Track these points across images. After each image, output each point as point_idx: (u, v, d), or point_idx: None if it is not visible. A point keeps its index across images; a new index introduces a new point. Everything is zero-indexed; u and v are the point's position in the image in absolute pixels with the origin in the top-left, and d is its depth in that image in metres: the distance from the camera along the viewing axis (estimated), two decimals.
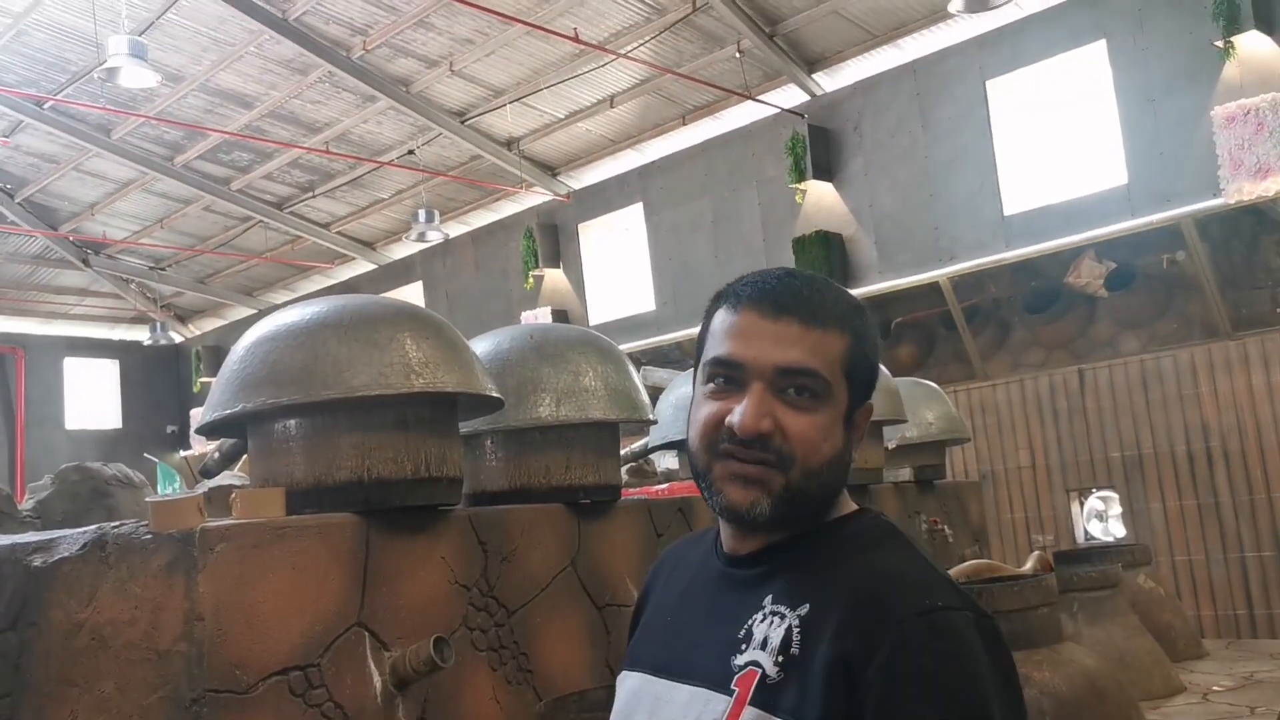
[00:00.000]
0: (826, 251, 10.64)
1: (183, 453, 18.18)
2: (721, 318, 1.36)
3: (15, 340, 18.63)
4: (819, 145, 10.95)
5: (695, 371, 1.40)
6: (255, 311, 18.73)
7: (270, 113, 13.35)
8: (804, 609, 1.23)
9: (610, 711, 1.46)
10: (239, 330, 18.91)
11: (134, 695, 2.40)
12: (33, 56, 12.41)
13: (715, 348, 1.34)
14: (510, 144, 13.61)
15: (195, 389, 19.19)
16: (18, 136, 14.15)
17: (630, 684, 1.45)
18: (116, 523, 2.58)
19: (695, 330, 1.42)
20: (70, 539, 2.55)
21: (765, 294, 1.32)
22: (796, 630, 1.22)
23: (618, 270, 13.24)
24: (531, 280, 13.76)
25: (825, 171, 10.96)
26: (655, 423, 3.82)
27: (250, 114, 13.32)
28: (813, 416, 1.28)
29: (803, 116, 11.11)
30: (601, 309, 13.25)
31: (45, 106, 13.27)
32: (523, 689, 3.10)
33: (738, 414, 1.27)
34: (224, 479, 3.99)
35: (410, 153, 13.82)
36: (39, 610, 2.51)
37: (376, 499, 2.79)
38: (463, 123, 13.27)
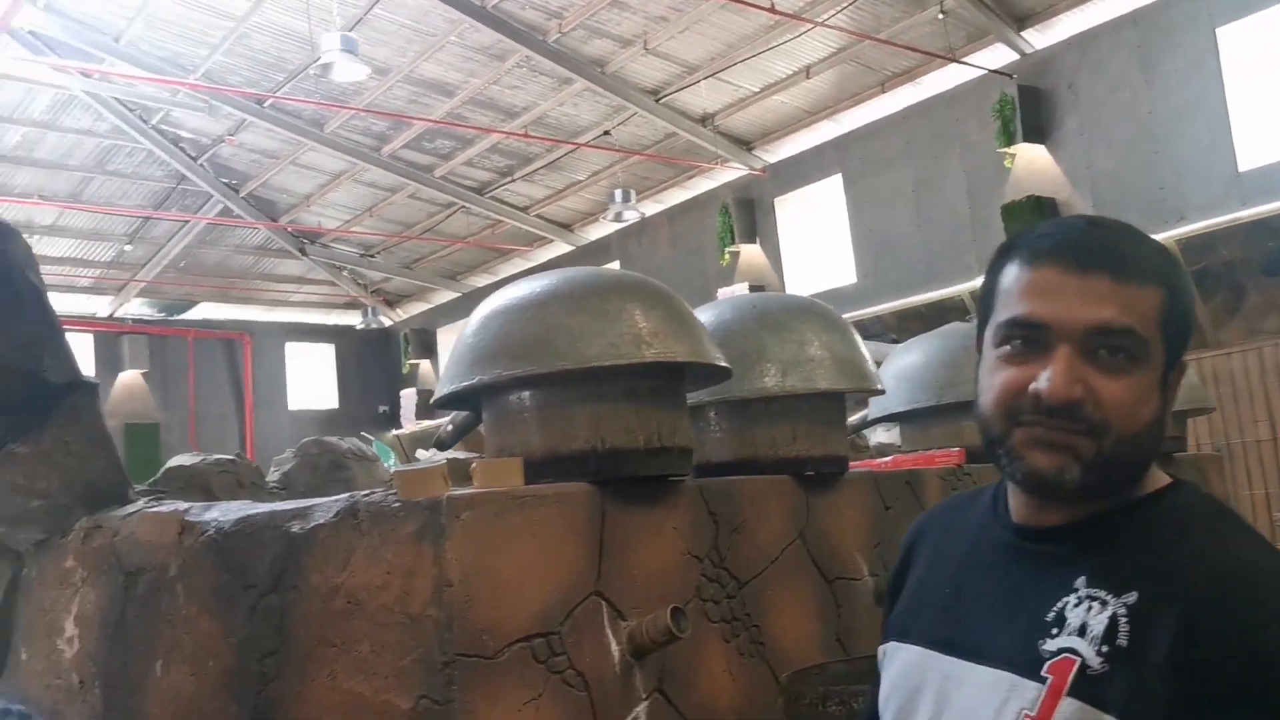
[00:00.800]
0: (1039, 218, 10.19)
1: (394, 431, 18.99)
2: (1014, 274, 1.25)
3: (243, 326, 19.81)
4: (1029, 106, 10.49)
5: (980, 332, 1.30)
6: (459, 295, 19.35)
7: (470, 99, 13.71)
8: (1131, 597, 1.13)
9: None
10: (444, 314, 19.65)
11: (389, 657, 2.47)
12: (254, 58, 13.10)
13: (1010, 307, 1.23)
14: (705, 120, 13.57)
15: (404, 370, 19.98)
16: (242, 135, 14.99)
17: (906, 657, 1.38)
18: (366, 491, 2.67)
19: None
20: (324, 507, 2.65)
21: (1068, 246, 1.21)
22: (1124, 620, 1.12)
23: (816, 243, 13.05)
24: (728, 256, 13.72)
25: (1036, 133, 10.50)
26: (883, 393, 3.71)
27: (451, 102, 13.71)
28: (1129, 380, 1.17)
29: (1011, 77, 10.66)
30: (800, 283, 13.09)
31: (265, 105, 14.00)
32: (755, 662, 3.07)
33: (1044, 380, 1.17)
34: (453, 453, 4.10)
35: (606, 133, 13.96)
36: (299, 574, 2.62)
37: (610, 469, 2.79)
38: (657, 101, 13.31)
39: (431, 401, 3.03)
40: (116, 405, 18.36)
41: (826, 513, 3.43)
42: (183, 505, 3.04)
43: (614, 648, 2.71)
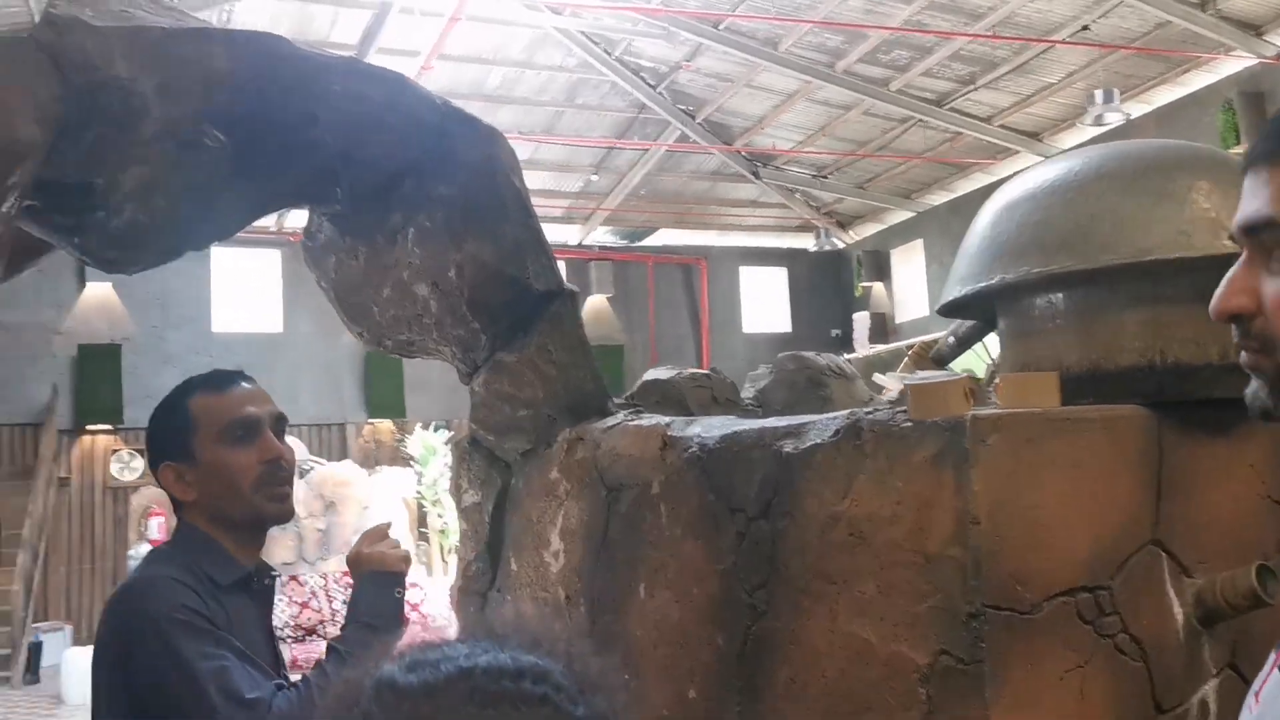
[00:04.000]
0: None
1: (847, 355, 18.73)
2: None
3: (699, 251, 20.32)
4: None
5: None
6: (913, 215, 18.62)
7: (930, 4, 12.90)
8: None
9: None
10: (898, 235, 19.02)
11: (899, 601, 2.11)
12: None
13: None
14: (1204, 3, 11.87)
15: (857, 293, 19.63)
16: (698, 60, 15.14)
17: None
18: (869, 408, 2.31)
19: None
20: (821, 425, 2.33)
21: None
22: None
23: None
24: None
25: None
26: None
27: (910, 8, 12.97)
28: None
29: None
30: None
31: (720, 26, 13.99)
32: None
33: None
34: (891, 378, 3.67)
35: (1084, 28, 12.61)
36: (792, 500, 2.32)
37: (1171, 388, 2.24)
38: None
39: (938, 308, 2.61)
40: (587, 329, 19.52)
41: None
42: (664, 419, 2.85)
43: (1177, 610, 2.18)
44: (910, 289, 18.57)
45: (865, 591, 2.17)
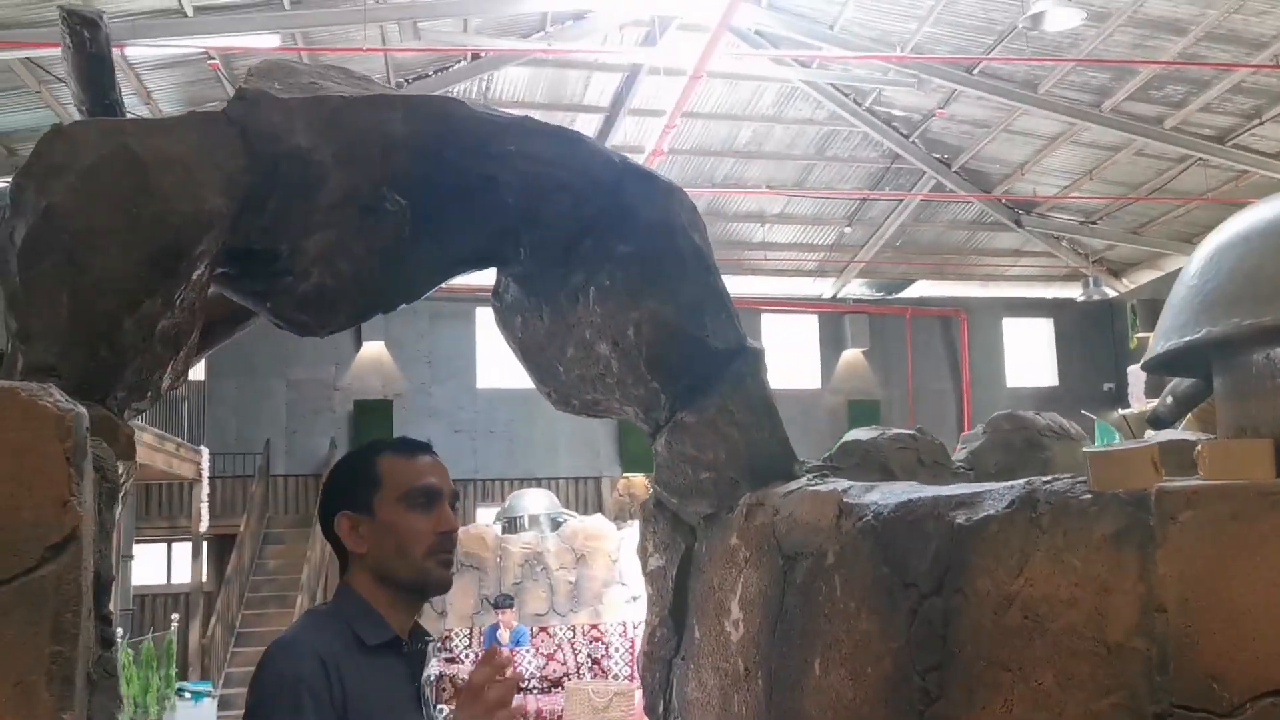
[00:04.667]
0: None
1: (1120, 411, 17.55)
2: None
3: (958, 303, 19.63)
4: None
5: None
6: None
7: (1206, 35, 12.02)
8: None
9: None
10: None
11: (1078, 695, 1.88)
12: (960, 23, 12.72)
13: None
14: None
15: (1131, 344, 18.36)
16: (952, 106, 14.71)
17: None
18: (1048, 477, 2.09)
19: None
20: (996, 495, 2.13)
21: None
22: None
23: None
24: None
25: None
26: None
27: (1183, 40, 12.13)
28: None
29: None
30: None
31: (975, 71, 13.55)
32: None
33: None
34: (1173, 432, 3.32)
35: None
36: (964, 575, 2.13)
37: None
38: None
39: (1141, 365, 2.35)
40: (839, 383, 19.19)
41: None
42: (843, 484, 2.69)
43: None
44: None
45: (1043, 683, 1.95)
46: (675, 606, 3.16)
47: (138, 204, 2.51)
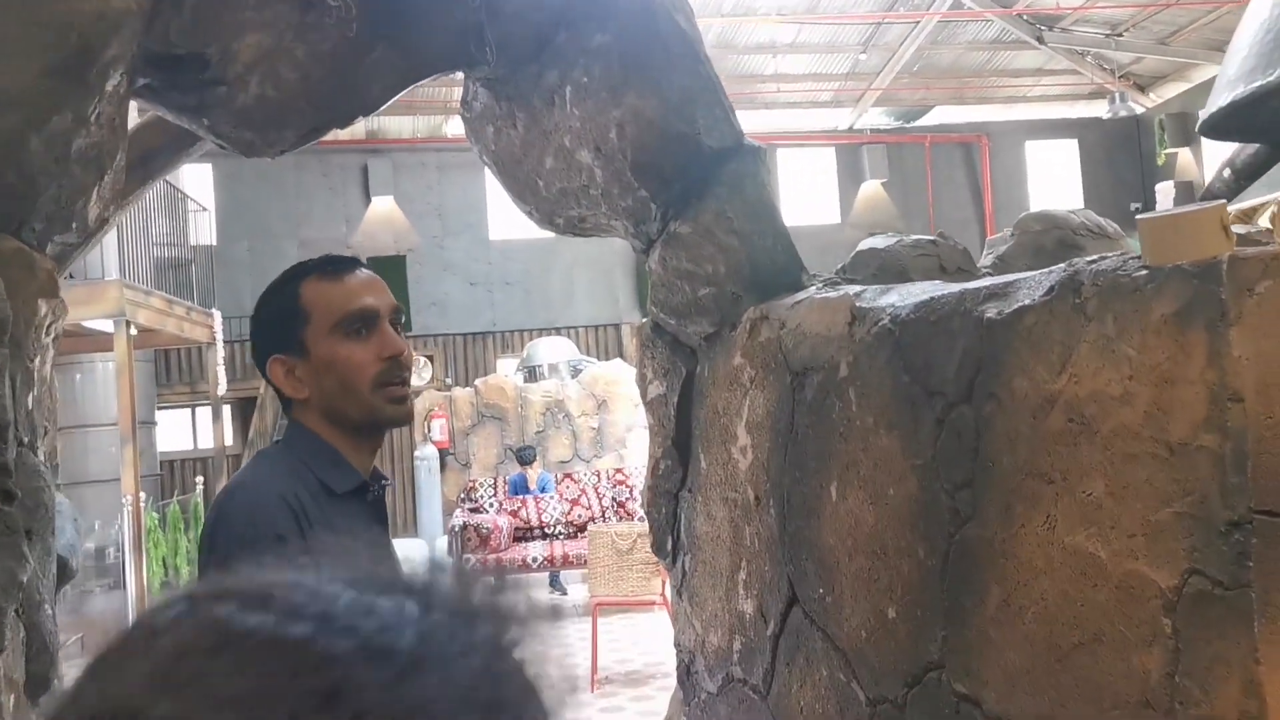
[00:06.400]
0: None
1: (1140, 215, 17.07)
2: None
3: (979, 128, 18.99)
4: None
5: None
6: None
7: None
8: None
9: None
10: (1209, 93, 17.03)
11: (1134, 505, 1.61)
12: None
13: None
14: None
15: (1159, 161, 17.81)
16: None
17: None
18: (1093, 256, 1.78)
19: None
20: (1031, 282, 1.82)
21: None
22: None
23: None
24: None
25: None
26: None
27: None
28: None
29: None
30: None
31: None
32: None
33: None
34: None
35: None
36: (998, 377, 1.84)
37: None
38: None
39: (1199, 125, 2.01)
40: (859, 217, 18.74)
41: None
42: (855, 289, 2.39)
43: None
44: (1224, 152, 16.60)
45: (1091, 493, 1.68)
46: (678, 436, 2.91)
47: (33, 4, 2.17)
